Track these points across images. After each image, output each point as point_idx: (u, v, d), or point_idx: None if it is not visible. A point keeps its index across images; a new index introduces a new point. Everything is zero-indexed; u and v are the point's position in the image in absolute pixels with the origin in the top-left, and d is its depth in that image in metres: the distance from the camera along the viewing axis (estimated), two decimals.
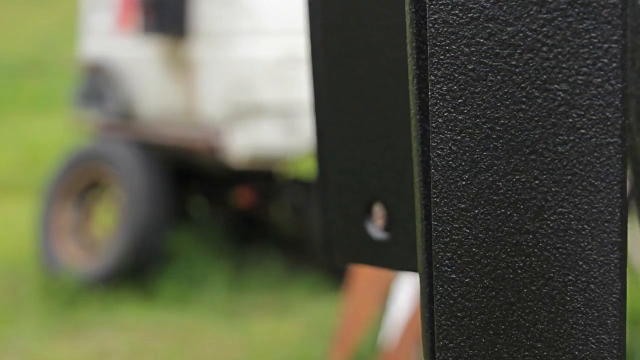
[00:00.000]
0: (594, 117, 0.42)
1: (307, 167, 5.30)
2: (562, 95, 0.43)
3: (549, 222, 0.44)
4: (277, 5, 5.12)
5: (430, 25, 0.45)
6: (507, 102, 0.44)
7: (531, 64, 0.43)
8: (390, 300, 3.96)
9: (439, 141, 0.46)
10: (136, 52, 5.68)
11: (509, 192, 0.45)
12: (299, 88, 4.99)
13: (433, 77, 0.46)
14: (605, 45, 0.42)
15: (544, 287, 0.44)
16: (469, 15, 0.44)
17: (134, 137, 5.69)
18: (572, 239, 0.43)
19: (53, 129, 10.48)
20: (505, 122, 0.44)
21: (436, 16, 0.45)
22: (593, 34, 0.42)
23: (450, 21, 0.45)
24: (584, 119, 0.42)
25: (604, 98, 0.42)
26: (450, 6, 0.45)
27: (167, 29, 5.42)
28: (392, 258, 0.68)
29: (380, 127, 0.67)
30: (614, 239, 0.43)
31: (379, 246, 0.68)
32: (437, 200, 0.46)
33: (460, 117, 0.45)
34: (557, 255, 0.44)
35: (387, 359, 3.81)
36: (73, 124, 6.53)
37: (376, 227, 0.69)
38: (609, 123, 0.42)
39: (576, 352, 0.44)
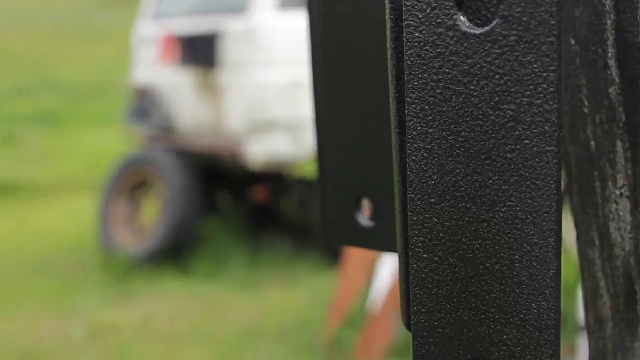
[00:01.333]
0: (536, 131, 0.42)
1: (310, 169, 5.30)
2: (510, 113, 0.43)
3: (500, 213, 0.44)
4: (286, 41, 5.12)
5: (407, 58, 0.45)
6: (467, 119, 0.44)
7: (486, 89, 0.43)
8: (375, 275, 3.96)
9: (413, 149, 0.46)
10: (175, 79, 5.69)
11: (469, 189, 0.45)
12: (303, 107, 4.99)
13: (409, 99, 0.46)
14: (545, 74, 0.41)
15: (496, 264, 0.44)
16: (437, 50, 0.44)
17: (173, 146, 5.70)
18: (518, 226, 0.43)
19: (110, 140, 10.49)
20: (466, 134, 0.44)
21: (411, 51, 0.45)
22: (535, 65, 0.42)
23: (423, 55, 0.45)
24: (527, 132, 0.42)
25: (544, 115, 0.42)
26: (422, 43, 0.45)
27: (199, 60, 5.43)
28: (377, 241, 0.68)
29: (367, 139, 0.67)
30: (551, 226, 0.43)
31: (367, 232, 0.68)
32: (412, 195, 0.46)
33: (430, 131, 0.45)
34: (507, 239, 0.44)
35: (373, 320, 3.81)
36: (126, 136, 6.54)
37: (364, 217, 0.69)
38: (547, 135, 0.42)
39: (521, 315, 0.44)
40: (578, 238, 0.62)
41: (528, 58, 0.42)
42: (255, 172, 5.47)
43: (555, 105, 0.42)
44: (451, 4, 0.43)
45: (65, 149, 11.04)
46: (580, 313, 2.61)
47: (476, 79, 0.43)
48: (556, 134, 0.42)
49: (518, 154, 0.43)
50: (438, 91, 0.45)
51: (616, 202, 0.58)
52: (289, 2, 5.20)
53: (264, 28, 5.17)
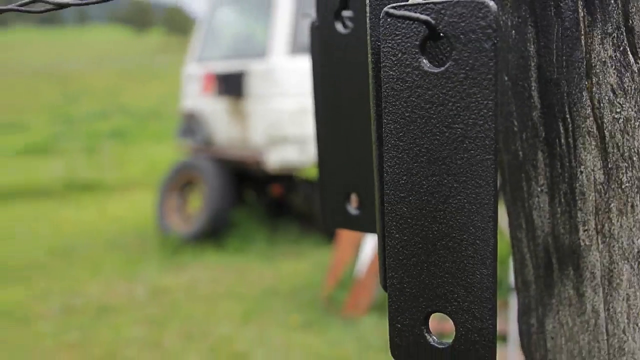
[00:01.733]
0: (479, 143, 0.42)
1: (312, 172, 5.30)
2: (460, 131, 0.43)
3: (452, 204, 0.44)
4: (295, 78, 5.12)
5: (384, 90, 0.45)
6: (428, 135, 0.44)
7: (442, 112, 0.43)
8: (360, 250, 3.96)
9: (388, 157, 0.46)
10: (213, 106, 5.69)
11: (429, 187, 0.45)
12: (307, 127, 5.00)
13: (385, 120, 0.46)
14: (485, 102, 0.42)
15: (449, 242, 0.44)
16: (406, 84, 0.44)
17: (212, 155, 5.70)
18: (466, 214, 0.43)
19: (165, 151, 10.49)
20: (427, 146, 0.44)
21: (387, 85, 0.45)
22: (478, 95, 0.42)
23: (395, 88, 0.45)
24: (472, 144, 0.42)
25: (484, 132, 0.42)
26: (395, 79, 0.45)
27: (231, 92, 5.43)
28: (362, 225, 0.68)
29: (354, 150, 0.67)
30: (490, 214, 0.43)
31: (354, 218, 0.68)
32: (388, 191, 0.46)
33: (401, 144, 0.45)
34: (457, 223, 0.44)
35: (359, 283, 3.80)
36: (177, 148, 6.54)
37: (352, 207, 0.69)
38: (487, 147, 0.42)
39: (468, 279, 0.44)
40: (510, 223, 0.62)
41: (473, 90, 0.42)
42: (272, 174, 5.47)
43: (492, 125, 0.42)
44: (416, 50, 0.44)
45: (132, 157, 11.04)
46: (511, 278, 2.62)
47: (435, 105, 0.43)
48: (494, 146, 0.42)
49: (466, 160, 0.43)
50: (407, 114, 0.45)
51: (538, 197, 0.58)
52: (297, 49, 5.21)
53: (279, 69, 5.18)
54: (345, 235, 3.96)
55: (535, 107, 0.56)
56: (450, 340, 0.45)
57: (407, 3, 0.44)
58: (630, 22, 0.53)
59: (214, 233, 5.40)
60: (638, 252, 0.55)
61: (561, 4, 0.53)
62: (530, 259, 0.60)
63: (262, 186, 5.92)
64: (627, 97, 0.53)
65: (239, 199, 5.84)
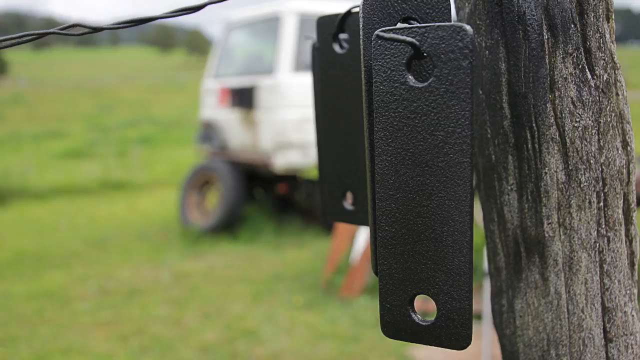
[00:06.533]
0: (457, 148, 0.42)
1: (313, 173, 5.30)
2: (441, 137, 0.43)
3: (434, 201, 0.44)
4: (298, 92, 5.13)
5: (375, 102, 0.45)
6: (413, 141, 0.44)
7: (425, 121, 0.43)
8: (355, 240, 3.96)
9: (379, 161, 0.46)
10: (228, 116, 5.69)
11: (414, 185, 0.45)
12: (309, 134, 5.01)
13: (376, 128, 0.46)
14: (463, 112, 0.42)
15: (432, 233, 0.44)
16: (394, 97, 0.44)
17: (227, 158, 5.70)
18: (446, 209, 0.43)
19: (186, 155, 10.48)
20: (412, 150, 0.44)
21: (378, 97, 0.45)
22: (457, 107, 0.42)
23: (385, 100, 0.45)
24: (452, 149, 0.42)
25: (462, 139, 0.42)
26: (385, 93, 0.45)
27: (243, 104, 5.43)
28: (357, 219, 0.68)
29: (349, 154, 0.67)
30: (467, 209, 0.43)
31: (350, 213, 0.68)
32: (378, 189, 0.46)
33: (389, 148, 0.45)
34: (438, 217, 0.44)
35: (354, 269, 3.80)
36: (196, 152, 6.54)
37: (348, 203, 0.69)
38: (464, 151, 0.42)
39: (448, 266, 0.44)
40: (484, 217, 0.62)
41: (452, 102, 0.42)
42: (279, 174, 5.47)
43: (469, 133, 0.42)
44: (403, 68, 0.44)
45: (157, 160, 11.03)
46: (485, 264, 2.62)
47: (419, 115, 0.43)
48: (470, 151, 0.42)
49: (446, 163, 0.43)
50: (395, 123, 0.45)
51: (508, 194, 0.58)
52: (300, 67, 5.21)
53: (285, 84, 5.17)
54: (341, 228, 3.96)
55: (506, 117, 0.56)
56: (433, 318, 0.45)
57: (395, 27, 0.44)
58: (588, 43, 0.53)
59: (228, 225, 5.40)
60: (594, 242, 0.55)
61: (528, 28, 0.53)
62: (502, 248, 0.60)
63: (269, 185, 5.92)
64: (585, 109, 0.53)
65: (250, 196, 5.84)
